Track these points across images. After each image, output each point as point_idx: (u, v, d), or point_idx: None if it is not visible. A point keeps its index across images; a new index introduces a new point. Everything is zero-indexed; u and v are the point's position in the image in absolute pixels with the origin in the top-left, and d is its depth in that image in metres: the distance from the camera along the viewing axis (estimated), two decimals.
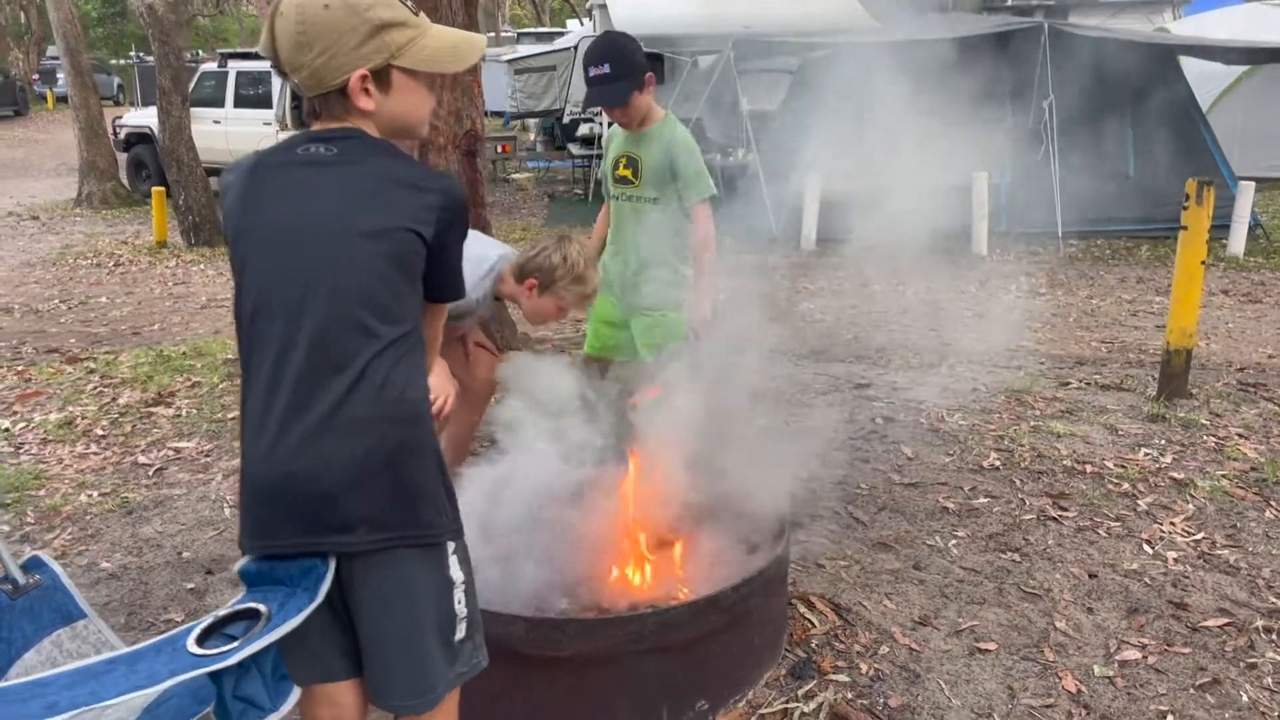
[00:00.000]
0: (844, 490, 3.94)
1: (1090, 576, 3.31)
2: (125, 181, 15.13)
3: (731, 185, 12.07)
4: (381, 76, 1.68)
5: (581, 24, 21.32)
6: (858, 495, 3.90)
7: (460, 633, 1.74)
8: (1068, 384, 5.41)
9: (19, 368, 5.88)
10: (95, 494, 3.97)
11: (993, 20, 12.31)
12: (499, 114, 19.27)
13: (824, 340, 6.58)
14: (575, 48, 15.58)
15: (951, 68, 9.77)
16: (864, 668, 2.81)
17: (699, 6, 13.98)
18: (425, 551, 1.68)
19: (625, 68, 3.32)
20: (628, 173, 3.53)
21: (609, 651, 2.45)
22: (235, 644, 1.50)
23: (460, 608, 1.73)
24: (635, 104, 3.37)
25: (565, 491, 3.20)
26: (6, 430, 4.66)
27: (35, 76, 32.47)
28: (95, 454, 4.41)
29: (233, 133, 14.02)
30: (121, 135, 15.42)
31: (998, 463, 4.21)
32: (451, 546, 1.73)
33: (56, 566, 2.05)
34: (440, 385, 3.14)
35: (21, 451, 4.42)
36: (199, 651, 1.48)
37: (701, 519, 3.27)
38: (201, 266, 10.01)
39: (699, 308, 3.46)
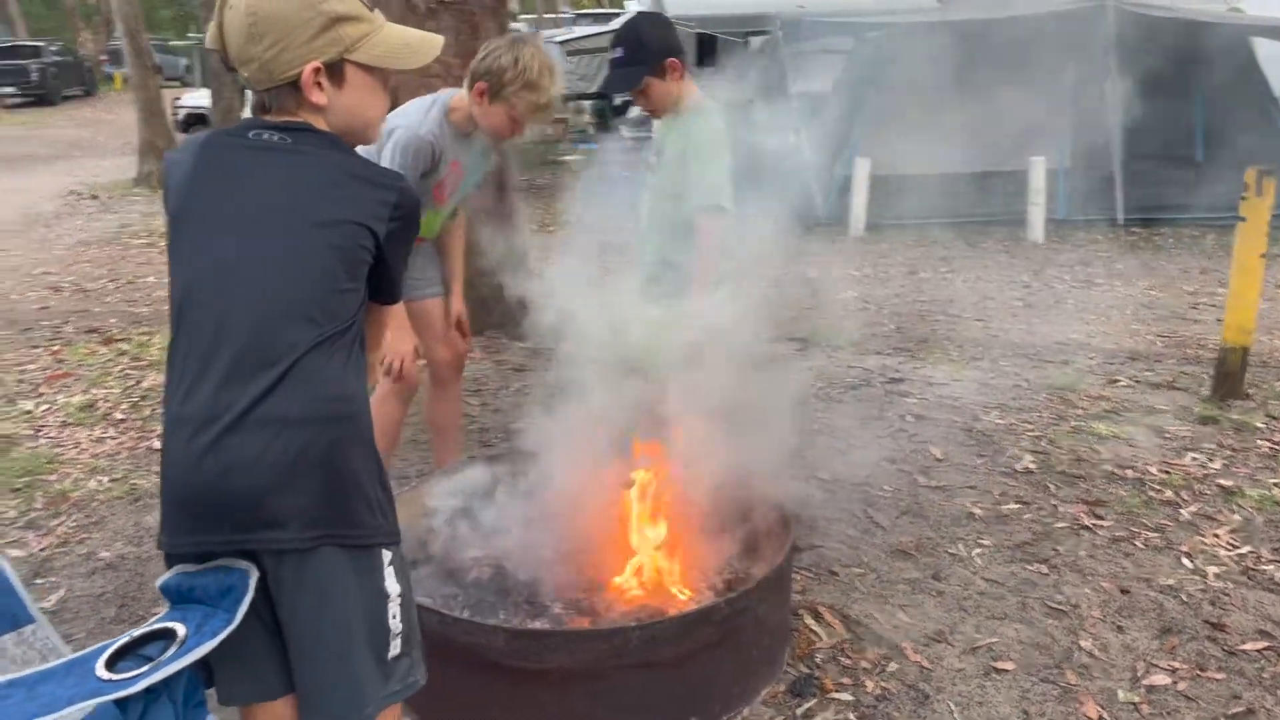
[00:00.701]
0: (865, 492, 3.77)
1: (1122, 592, 3.12)
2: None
3: (779, 168, 11.86)
4: (335, 70, 1.66)
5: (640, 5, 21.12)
6: (879, 498, 3.72)
7: (395, 649, 1.64)
8: (1116, 381, 5.16)
9: (55, 348, 5.93)
10: (105, 480, 3.95)
11: None
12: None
13: (862, 331, 6.37)
14: None
15: (1012, 48, 9.47)
16: (870, 686, 2.67)
17: None
18: (358, 554, 1.59)
19: (639, 53, 3.14)
20: (653, 159, 3.37)
21: (591, 666, 2.33)
22: (145, 668, 1.41)
23: (395, 622, 1.63)
24: (654, 91, 3.16)
25: (572, 486, 3.09)
26: (29, 412, 4.68)
27: (104, 57, 33.07)
28: (112, 438, 4.39)
29: None
30: (180, 116, 15.66)
31: (1032, 466, 4.01)
32: (388, 556, 1.64)
33: (7, 567, 1.99)
34: (397, 345, 3.01)
35: (40, 434, 4.43)
36: (105, 676, 1.39)
37: (709, 520, 3.14)
38: None
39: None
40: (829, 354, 5.67)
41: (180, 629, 1.45)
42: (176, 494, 1.53)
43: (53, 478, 3.96)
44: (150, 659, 1.43)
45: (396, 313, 3.01)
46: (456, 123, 3.09)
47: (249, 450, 1.48)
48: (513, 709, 2.39)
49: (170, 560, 1.58)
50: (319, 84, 1.64)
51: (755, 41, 11.76)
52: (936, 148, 10.17)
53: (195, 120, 15.28)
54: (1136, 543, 3.42)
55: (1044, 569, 3.25)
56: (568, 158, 15.13)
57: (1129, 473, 3.96)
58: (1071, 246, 9.35)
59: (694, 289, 3.11)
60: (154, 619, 1.50)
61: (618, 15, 20.69)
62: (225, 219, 1.59)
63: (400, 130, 2.98)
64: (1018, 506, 3.67)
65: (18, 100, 26.34)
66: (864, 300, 7.55)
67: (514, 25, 16.06)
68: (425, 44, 1.75)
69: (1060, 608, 3.04)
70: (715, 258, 3.11)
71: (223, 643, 1.51)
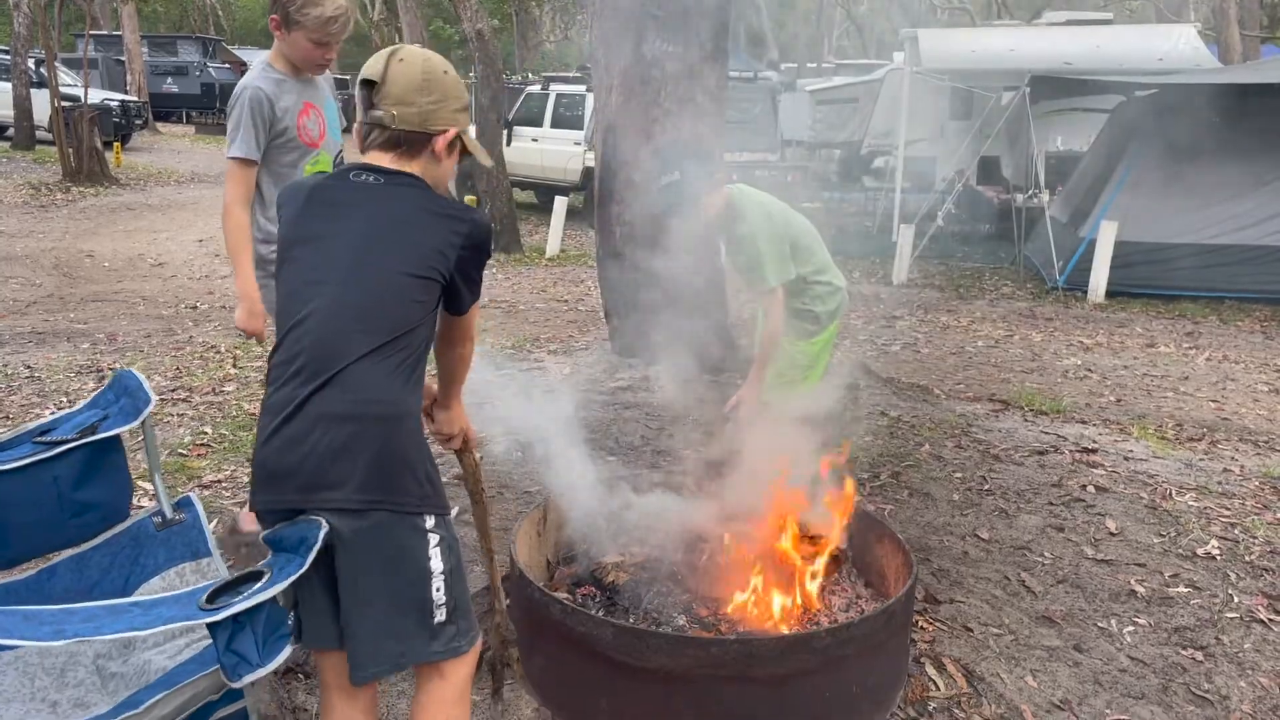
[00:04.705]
0: (1023, 556, 3.68)
1: None
2: (453, 191, 16.67)
3: (1025, 227, 11.47)
4: (454, 141, 2.06)
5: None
6: (1037, 563, 3.63)
7: (440, 616, 1.91)
8: None
9: None
10: None
11: None
12: (800, 143, 19.34)
13: (1075, 399, 6.13)
14: (882, 80, 15.42)
15: None
16: None
17: (1016, 41, 13.42)
18: (407, 522, 1.87)
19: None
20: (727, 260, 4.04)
21: (689, 671, 2.47)
22: (231, 601, 1.68)
23: (439, 594, 1.90)
24: (706, 203, 3.59)
25: (723, 505, 3.26)
26: None
27: None
28: None
29: (547, 150, 15.10)
30: None
31: (1215, 551, 3.77)
32: (432, 522, 1.90)
33: (200, 508, 2.40)
34: (463, 422, 3.07)
35: None
36: (202, 605, 1.68)
37: (843, 561, 3.22)
38: (492, 270, 10.86)
39: (745, 396, 3.74)
40: (1026, 418, 5.51)
41: (265, 572, 1.74)
42: (256, 464, 1.91)
43: None
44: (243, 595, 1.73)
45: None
46: (284, 69, 3.17)
47: (301, 436, 1.82)
48: (620, 700, 2.58)
49: (261, 517, 1.94)
50: (448, 145, 2.04)
51: (1005, 97, 11.50)
52: (1196, 215, 9.57)
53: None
54: None
55: (1199, 655, 3.09)
56: (808, 205, 15.25)
57: None
58: None
59: (759, 353, 3.76)
60: (252, 566, 1.80)
61: (881, 66, 20.68)
62: (321, 246, 1.95)
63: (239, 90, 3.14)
64: (1187, 590, 3.49)
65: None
66: (1087, 369, 7.23)
67: (771, 74, 16.42)
68: (483, 151, 2.21)
69: (1206, 696, 2.89)
70: (777, 333, 3.68)
71: (301, 596, 1.86)
